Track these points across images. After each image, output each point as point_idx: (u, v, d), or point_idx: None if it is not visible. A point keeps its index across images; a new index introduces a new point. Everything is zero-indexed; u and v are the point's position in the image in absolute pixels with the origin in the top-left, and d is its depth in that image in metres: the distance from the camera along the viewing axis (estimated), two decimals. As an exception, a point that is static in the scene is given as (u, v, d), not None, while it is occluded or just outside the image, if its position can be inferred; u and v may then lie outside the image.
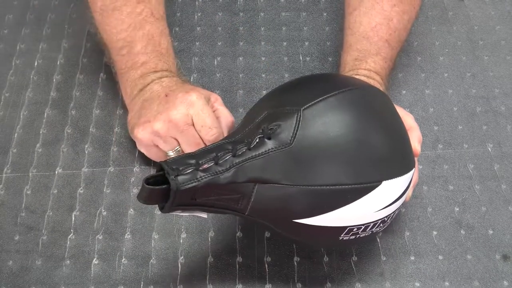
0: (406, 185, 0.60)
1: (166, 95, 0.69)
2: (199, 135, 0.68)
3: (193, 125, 0.68)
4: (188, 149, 0.68)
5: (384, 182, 0.56)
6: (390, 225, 0.70)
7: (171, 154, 0.69)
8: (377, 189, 0.56)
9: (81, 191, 0.73)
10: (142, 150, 0.72)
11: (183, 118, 0.67)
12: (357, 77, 0.71)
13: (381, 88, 0.71)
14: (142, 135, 0.69)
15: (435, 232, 0.70)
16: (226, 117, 0.71)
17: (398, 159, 0.59)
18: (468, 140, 0.78)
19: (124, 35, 0.73)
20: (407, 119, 0.67)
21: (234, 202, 0.56)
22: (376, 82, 0.71)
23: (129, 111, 0.74)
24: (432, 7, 0.91)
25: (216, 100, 0.73)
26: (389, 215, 0.59)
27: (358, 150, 0.56)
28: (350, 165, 0.56)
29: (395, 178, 0.57)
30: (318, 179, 0.55)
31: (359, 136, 0.56)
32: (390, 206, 0.58)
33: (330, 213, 0.56)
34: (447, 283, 0.67)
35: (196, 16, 0.91)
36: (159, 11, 0.76)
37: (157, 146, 0.70)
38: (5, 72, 0.84)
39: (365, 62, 0.73)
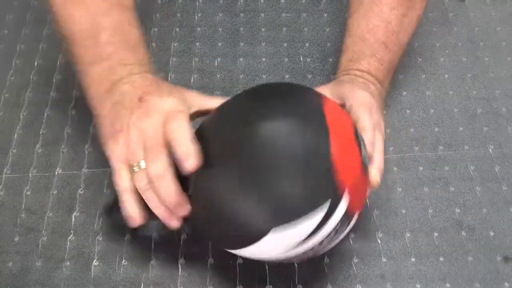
0: (319, 222, 0.54)
1: (140, 100, 0.59)
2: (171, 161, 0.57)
3: (166, 146, 0.57)
4: (152, 173, 0.57)
5: (271, 232, 0.53)
6: (391, 227, 0.70)
7: (135, 169, 0.57)
8: (263, 239, 0.54)
9: (81, 192, 0.73)
10: (115, 167, 0.59)
11: (155, 134, 0.57)
12: (348, 76, 0.71)
13: (375, 88, 0.71)
14: (114, 148, 0.59)
15: (436, 234, 0.70)
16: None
17: (293, 200, 0.54)
18: (469, 142, 0.78)
19: (88, 24, 0.66)
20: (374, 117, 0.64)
21: None
22: (368, 82, 0.71)
23: (97, 116, 0.63)
24: (433, 8, 0.91)
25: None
26: (314, 245, 0.56)
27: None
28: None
29: (288, 226, 0.53)
30: None
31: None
32: (304, 244, 0.55)
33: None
34: (448, 285, 0.67)
35: (196, 17, 0.91)
36: (127, 0, 0.68)
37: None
38: (5, 72, 0.84)
39: (358, 63, 0.73)
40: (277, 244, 0.55)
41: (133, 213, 0.59)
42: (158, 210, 0.58)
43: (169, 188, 0.56)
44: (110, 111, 0.61)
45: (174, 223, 0.58)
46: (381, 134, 0.65)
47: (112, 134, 0.59)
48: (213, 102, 0.61)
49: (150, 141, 0.57)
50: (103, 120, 0.62)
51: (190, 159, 0.55)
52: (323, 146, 0.54)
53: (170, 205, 0.56)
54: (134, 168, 0.57)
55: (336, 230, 0.55)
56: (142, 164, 0.57)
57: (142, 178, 0.57)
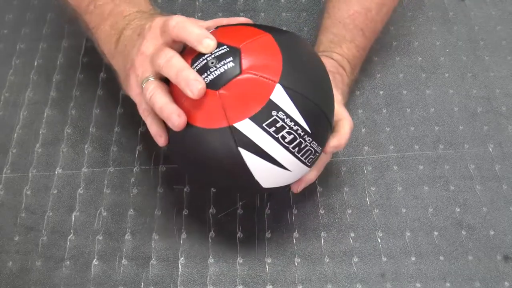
0: None
1: (138, 34, 0.63)
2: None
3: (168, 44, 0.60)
4: (160, 62, 0.59)
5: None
6: (391, 226, 0.70)
7: (143, 85, 0.60)
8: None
9: (81, 192, 0.73)
10: (137, 102, 0.63)
11: (155, 46, 0.60)
12: (331, 60, 0.73)
13: (346, 78, 0.73)
14: (130, 84, 0.62)
15: (436, 233, 0.70)
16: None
17: None
18: (469, 140, 0.78)
19: None
20: (344, 124, 0.66)
21: None
22: (344, 74, 0.73)
23: (117, 71, 0.67)
24: (433, 7, 0.91)
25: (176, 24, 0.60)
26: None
27: None
28: None
29: None
30: None
31: None
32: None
33: None
34: (448, 284, 0.67)
35: (196, 16, 0.91)
36: None
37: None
38: (5, 72, 0.84)
39: (339, 46, 0.74)
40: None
41: (156, 132, 0.61)
42: (166, 108, 0.57)
43: (179, 63, 0.57)
44: (121, 60, 0.65)
45: (182, 119, 0.56)
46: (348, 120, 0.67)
47: (126, 75, 0.63)
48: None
49: (152, 52, 0.60)
50: (119, 70, 0.65)
51: (206, 37, 0.57)
52: None
53: (183, 80, 0.56)
54: (143, 85, 0.60)
55: None
56: (150, 78, 0.60)
57: (147, 87, 0.59)
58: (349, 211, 0.72)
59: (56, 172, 0.74)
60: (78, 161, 0.75)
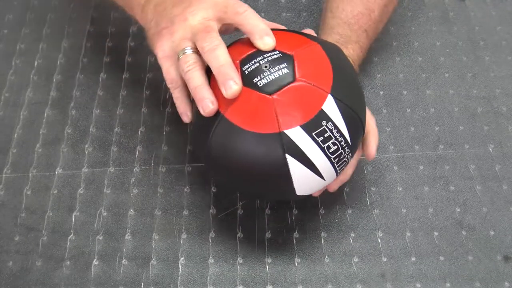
0: None
1: None
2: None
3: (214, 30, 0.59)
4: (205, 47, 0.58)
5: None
6: (391, 226, 0.70)
7: (180, 56, 0.59)
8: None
9: (81, 192, 0.73)
10: (164, 65, 0.62)
11: (202, 21, 0.59)
12: None
13: None
14: (160, 45, 0.61)
15: (436, 233, 0.70)
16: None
17: None
18: (469, 141, 0.78)
19: None
20: (370, 122, 0.66)
21: None
22: None
23: (144, 26, 0.66)
24: (433, 8, 0.91)
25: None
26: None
27: None
28: None
29: None
30: None
31: None
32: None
33: None
34: (448, 284, 0.67)
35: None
36: None
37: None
38: (5, 72, 0.84)
39: (345, 47, 0.74)
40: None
41: (183, 109, 0.62)
42: (202, 91, 0.57)
43: (224, 57, 0.56)
44: (154, 14, 0.63)
45: (214, 107, 0.56)
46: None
47: (158, 33, 0.61)
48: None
49: (198, 26, 0.58)
50: (149, 26, 0.63)
51: (268, 35, 0.58)
52: None
53: (223, 76, 0.55)
54: (180, 56, 0.59)
55: None
56: (188, 50, 0.58)
57: (186, 60, 0.58)
58: (349, 211, 0.72)
59: (56, 172, 0.74)
60: (78, 161, 0.75)
